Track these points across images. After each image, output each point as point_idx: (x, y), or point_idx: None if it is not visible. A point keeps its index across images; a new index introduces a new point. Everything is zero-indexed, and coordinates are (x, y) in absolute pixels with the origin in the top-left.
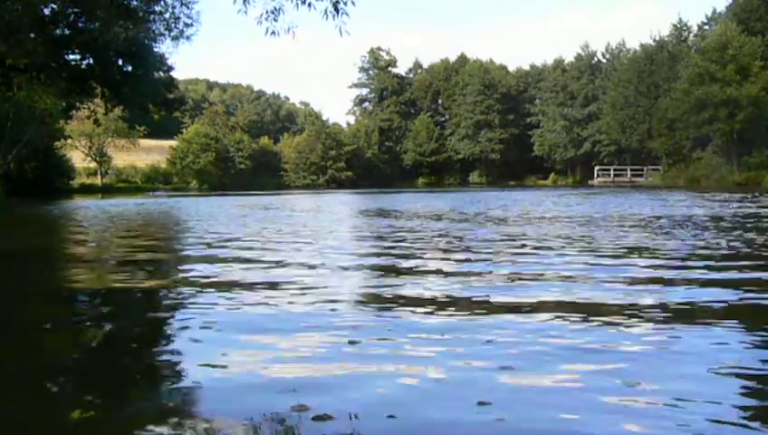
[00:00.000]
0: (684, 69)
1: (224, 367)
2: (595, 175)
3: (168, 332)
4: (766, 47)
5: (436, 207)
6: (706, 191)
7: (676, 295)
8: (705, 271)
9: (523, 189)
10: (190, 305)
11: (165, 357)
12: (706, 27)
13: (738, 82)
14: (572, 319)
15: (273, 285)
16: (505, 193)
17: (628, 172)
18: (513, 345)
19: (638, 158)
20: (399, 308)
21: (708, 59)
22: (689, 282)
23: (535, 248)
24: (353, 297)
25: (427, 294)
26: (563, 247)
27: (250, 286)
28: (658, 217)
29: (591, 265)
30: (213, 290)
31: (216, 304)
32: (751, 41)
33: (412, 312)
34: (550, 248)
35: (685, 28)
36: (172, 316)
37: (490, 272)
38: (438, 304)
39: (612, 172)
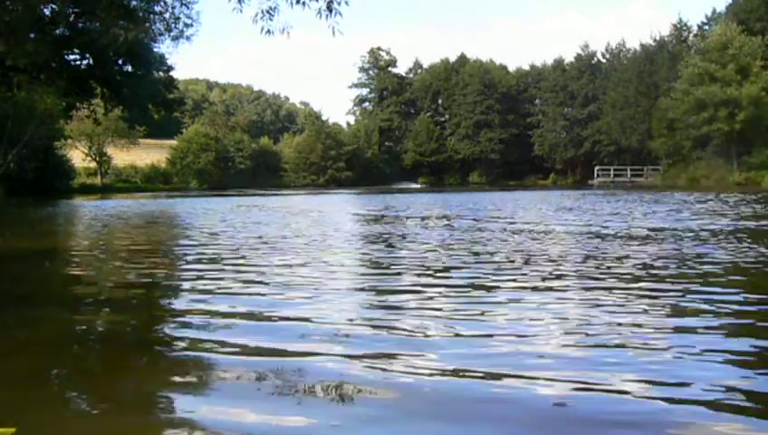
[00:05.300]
0: (684, 69)
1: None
2: (595, 175)
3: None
4: (766, 47)
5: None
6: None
7: None
8: None
9: (533, 190)
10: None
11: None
12: (706, 27)
13: (738, 82)
14: None
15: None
16: (525, 194)
17: (629, 172)
18: None
19: (638, 158)
20: None
21: (708, 59)
22: None
23: None
24: None
25: None
26: None
27: None
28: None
29: None
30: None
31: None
32: (751, 41)
33: None
34: None
35: (685, 28)
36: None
37: None
38: None
39: (612, 172)
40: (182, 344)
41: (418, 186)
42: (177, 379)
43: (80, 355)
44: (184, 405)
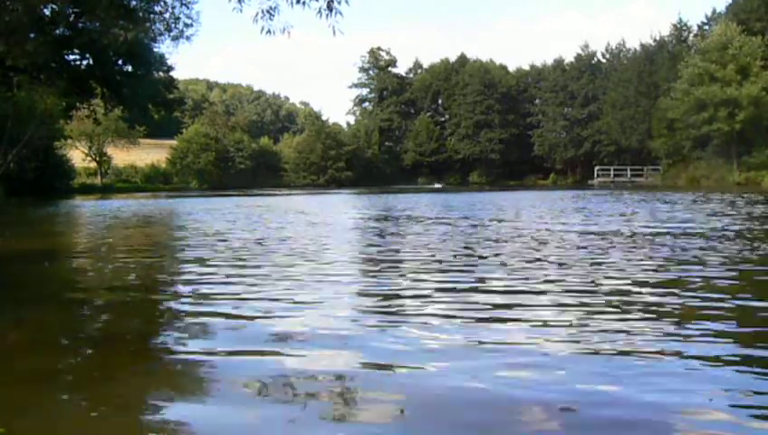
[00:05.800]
0: (684, 69)
1: None
2: (595, 175)
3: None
4: (766, 47)
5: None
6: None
7: None
8: None
9: (534, 190)
10: None
11: None
12: (706, 27)
13: (738, 82)
14: None
15: None
16: (525, 194)
17: (628, 172)
18: None
19: (638, 158)
20: None
21: (708, 59)
22: None
23: None
24: None
25: None
26: None
27: None
28: None
29: None
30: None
31: None
32: (751, 41)
33: None
34: None
35: (685, 28)
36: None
37: None
38: None
39: (612, 172)
40: (181, 347)
41: (439, 186)
42: (175, 382)
43: (78, 357)
44: (180, 408)
